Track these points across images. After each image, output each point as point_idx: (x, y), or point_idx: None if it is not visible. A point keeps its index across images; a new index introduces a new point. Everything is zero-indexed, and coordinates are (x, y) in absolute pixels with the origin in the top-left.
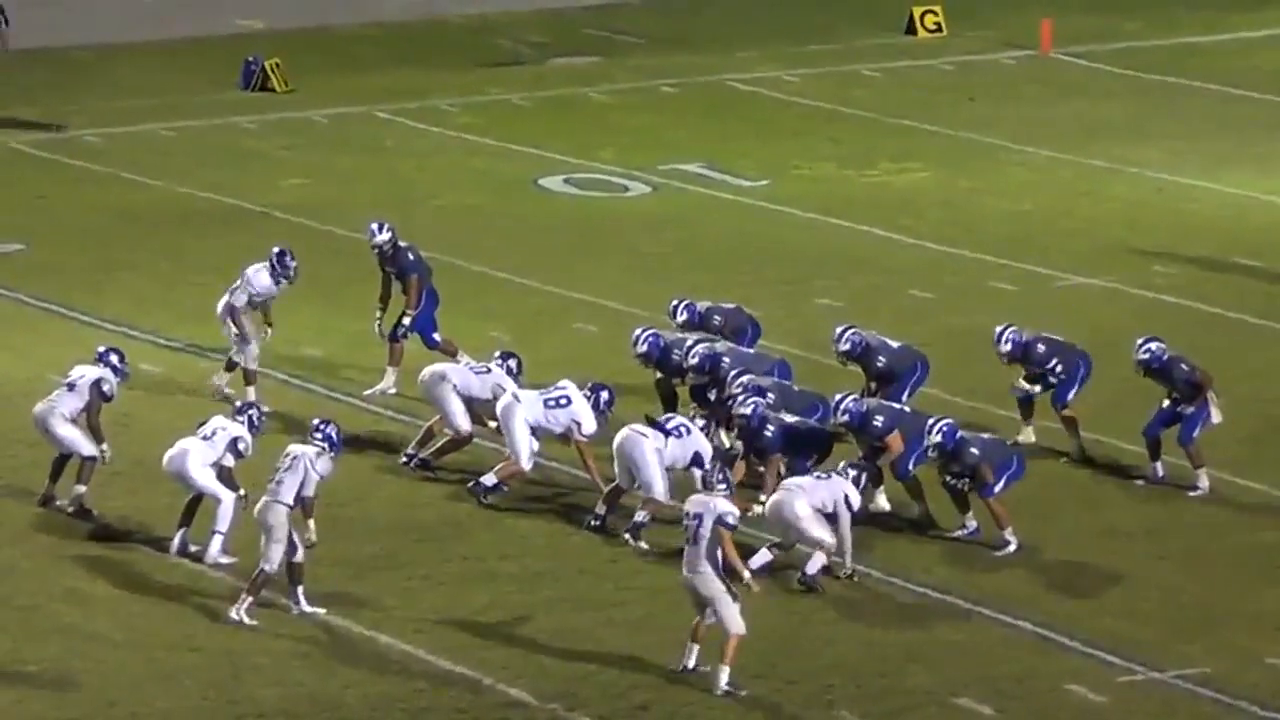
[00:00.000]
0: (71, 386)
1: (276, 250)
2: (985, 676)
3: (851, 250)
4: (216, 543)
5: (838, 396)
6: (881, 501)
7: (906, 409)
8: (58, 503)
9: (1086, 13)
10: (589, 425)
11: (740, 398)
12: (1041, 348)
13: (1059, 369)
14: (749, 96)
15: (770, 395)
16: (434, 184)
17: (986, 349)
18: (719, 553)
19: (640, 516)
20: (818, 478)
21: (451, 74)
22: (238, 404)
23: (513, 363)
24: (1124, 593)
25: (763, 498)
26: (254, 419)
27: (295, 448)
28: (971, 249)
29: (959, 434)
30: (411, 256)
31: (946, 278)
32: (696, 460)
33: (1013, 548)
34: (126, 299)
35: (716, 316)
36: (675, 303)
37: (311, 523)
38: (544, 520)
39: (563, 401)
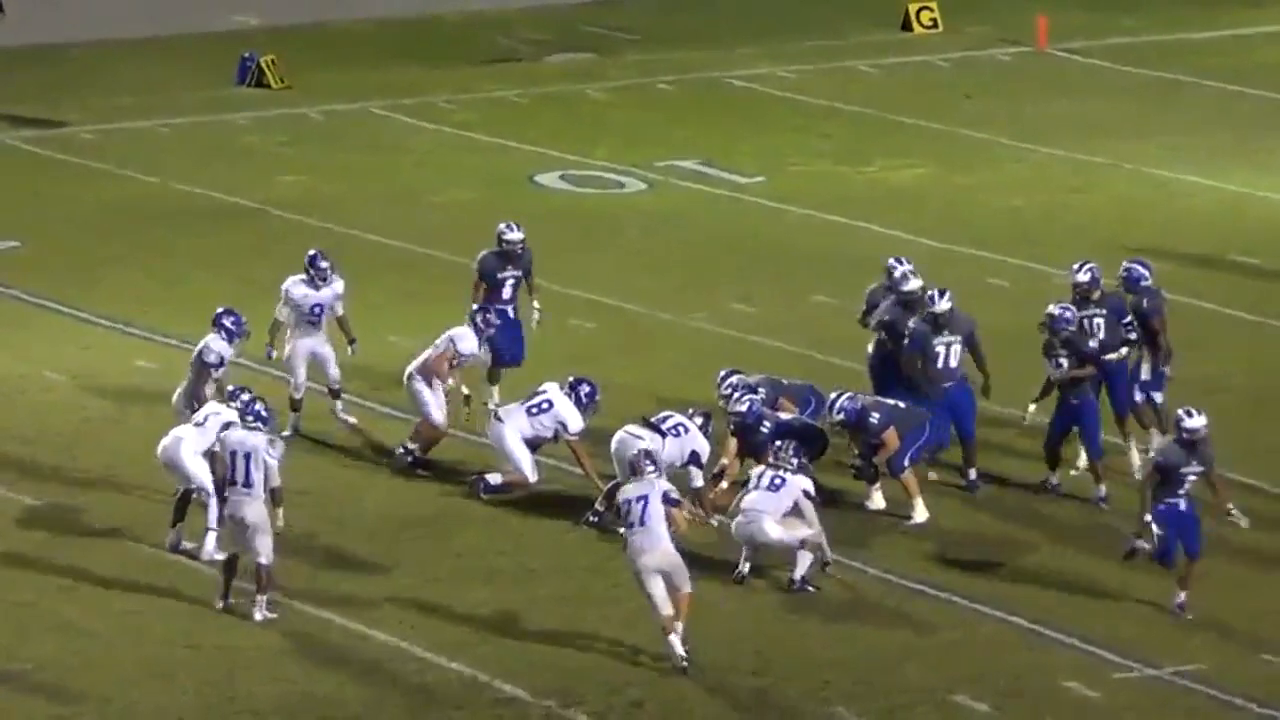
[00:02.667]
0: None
1: (308, 255)
2: (981, 674)
3: (848, 246)
4: (210, 539)
5: (832, 395)
6: (878, 499)
7: (901, 405)
8: (185, 546)
9: (1082, 9)
10: (575, 424)
11: (734, 396)
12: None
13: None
14: (745, 93)
15: (761, 390)
16: (430, 180)
17: (985, 345)
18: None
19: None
20: (771, 488)
21: (448, 70)
22: (230, 389)
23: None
24: (1119, 590)
25: None
26: (247, 403)
27: (243, 439)
28: (968, 245)
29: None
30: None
31: (943, 274)
32: (694, 459)
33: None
34: (122, 295)
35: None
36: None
37: (281, 510)
38: (539, 517)
39: (545, 406)
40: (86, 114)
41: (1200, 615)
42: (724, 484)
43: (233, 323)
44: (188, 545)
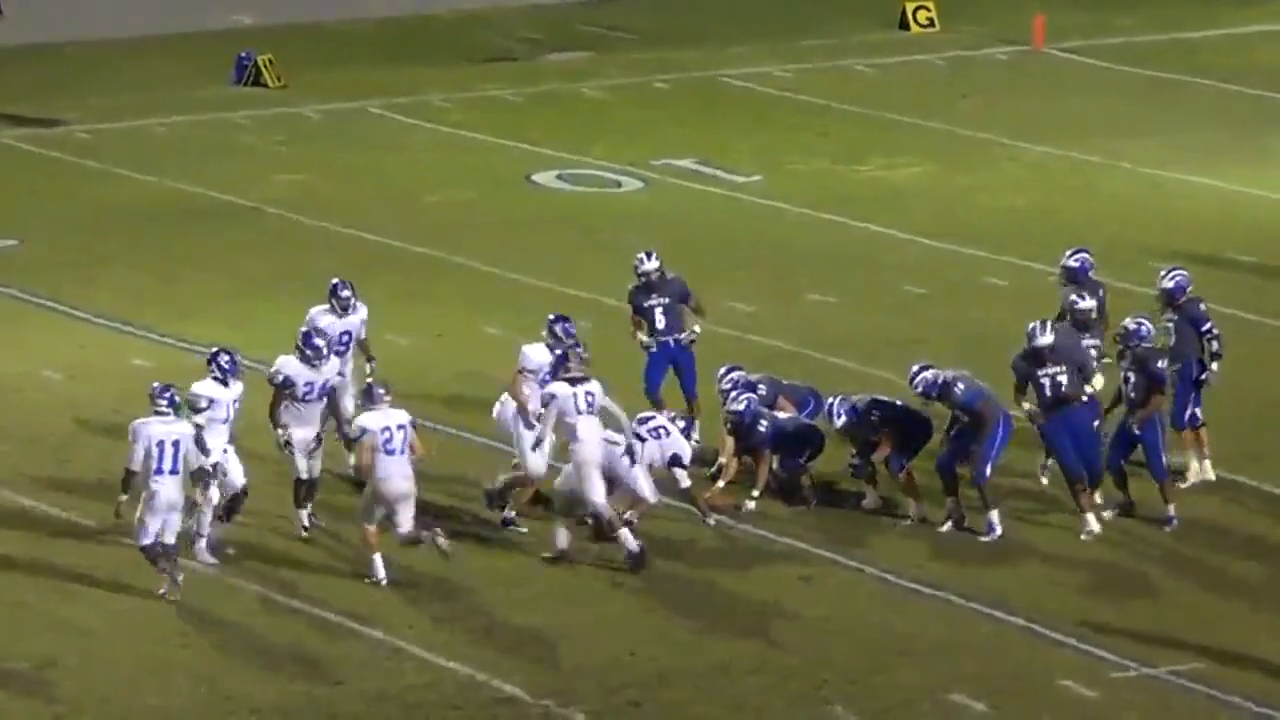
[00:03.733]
0: None
1: (330, 284)
2: (978, 673)
3: (844, 245)
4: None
5: (829, 400)
6: (873, 498)
7: (898, 402)
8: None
9: (1079, 8)
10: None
11: (732, 394)
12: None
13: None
14: (741, 92)
15: (761, 388)
16: (426, 180)
17: (981, 343)
18: None
19: (630, 515)
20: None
21: (444, 70)
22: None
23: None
24: (1116, 589)
25: (755, 493)
26: (222, 363)
27: (169, 429)
28: (965, 244)
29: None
30: (682, 284)
31: (940, 273)
32: (675, 460)
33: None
34: (120, 294)
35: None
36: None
37: (214, 487)
38: (537, 519)
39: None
40: (83, 113)
41: (1196, 615)
42: (720, 484)
43: (228, 362)
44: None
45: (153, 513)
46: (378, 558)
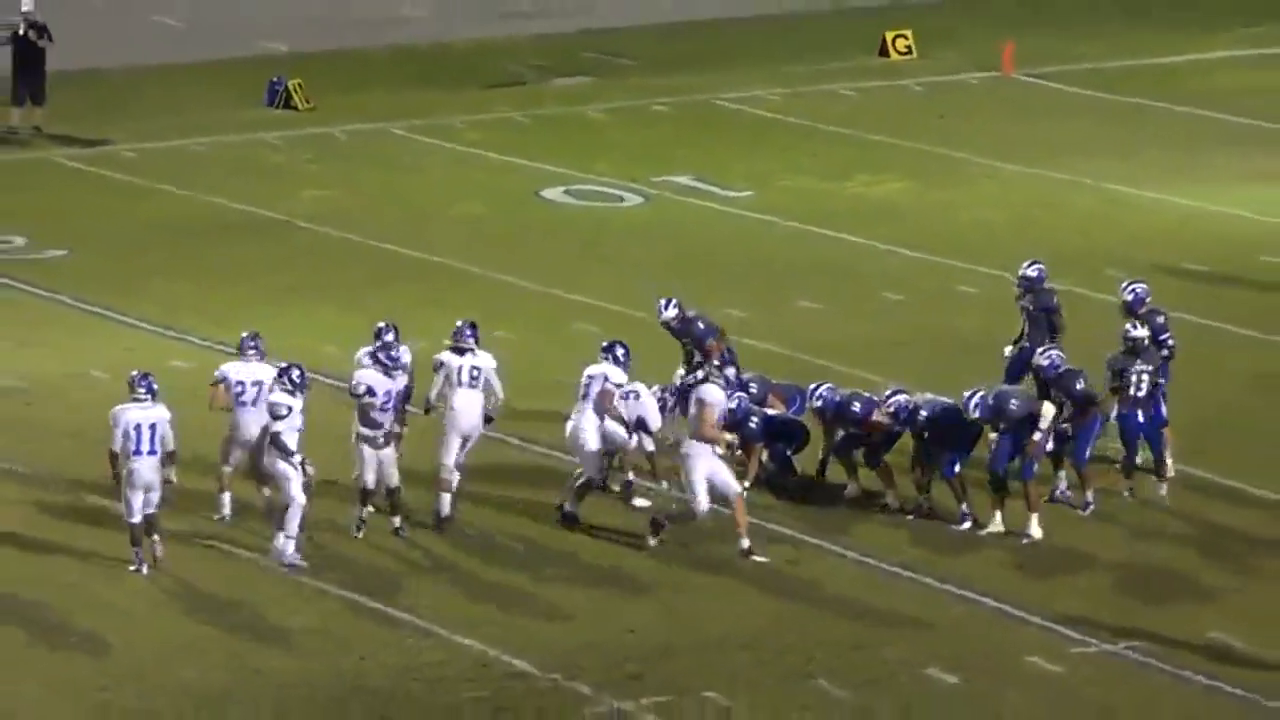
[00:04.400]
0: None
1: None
2: (951, 650)
3: (830, 257)
4: (284, 543)
5: (812, 385)
6: (854, 487)
7: (876, 397)
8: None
9: (1047, 36)
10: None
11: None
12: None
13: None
14: (734, 114)
15: (753, 387)
16: (444, 195)
17: (955, 347)
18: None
19: (630, 477)
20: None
21: (460, 94)
22: (280, 366)
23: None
24: (1078, 572)
25: (745, 483)
26: (294, 377)
27: (145, 413)
28: (941, 255)
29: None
30: (702, 325)
31: (918, 282)
32: (640, 425)
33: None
34: (160, 302)
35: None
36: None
37: (173, 470)
38: (546, 501)
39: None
40: (128, 133)
41: (1152, 596)
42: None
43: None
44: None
45: (133, 490)
46: (226, 496)
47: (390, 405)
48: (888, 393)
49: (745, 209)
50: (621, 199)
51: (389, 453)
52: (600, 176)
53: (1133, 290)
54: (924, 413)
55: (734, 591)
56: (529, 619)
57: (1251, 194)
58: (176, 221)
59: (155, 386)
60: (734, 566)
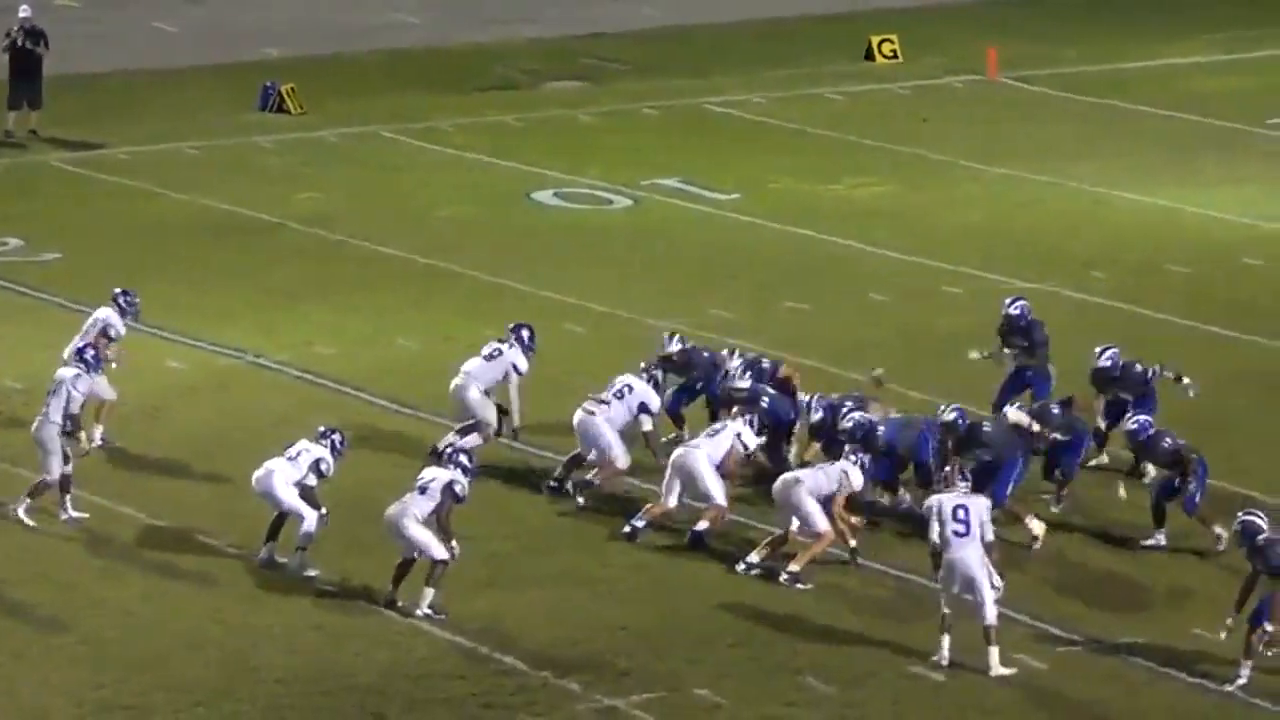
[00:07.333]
0: (423, 490)
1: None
2: (937, 647)
3: (816, 257)
4: (298, 558)
5: (805, 397)
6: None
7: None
8: (277, 560)
9: (1029, 41)
10: (522, 365)
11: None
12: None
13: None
14: (723, 118)
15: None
16: (435, 197)
17: (938, 346)
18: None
19: (591, 476)
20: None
21: (451, 97)
22: (321, 428)
23: (524, 333)
24: (1065, 572)
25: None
26: (336, 442)
27: (60, 373)
28: (925, 256)
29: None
30: (707, 354)
31: (902, 282)
32: (643, 409)
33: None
34: (155, 302)
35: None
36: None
37: (84, 434)
38: (535, 500)
39: (494, 355)
40: (123, 137)
41: (1135, 595)
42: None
43: (126, 301)
44: (280, 559)
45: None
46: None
47: None
48: (844, 409)
49: (733, 211)
50: (611, 202)
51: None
52: (590, 179)
53: (1109, 357)
54: (881, 430)
55: (722, 589)
56: (519, 616)
57: (1232, 196)
58: (170, 224)
59: (89, 357)
60: (715, 566)
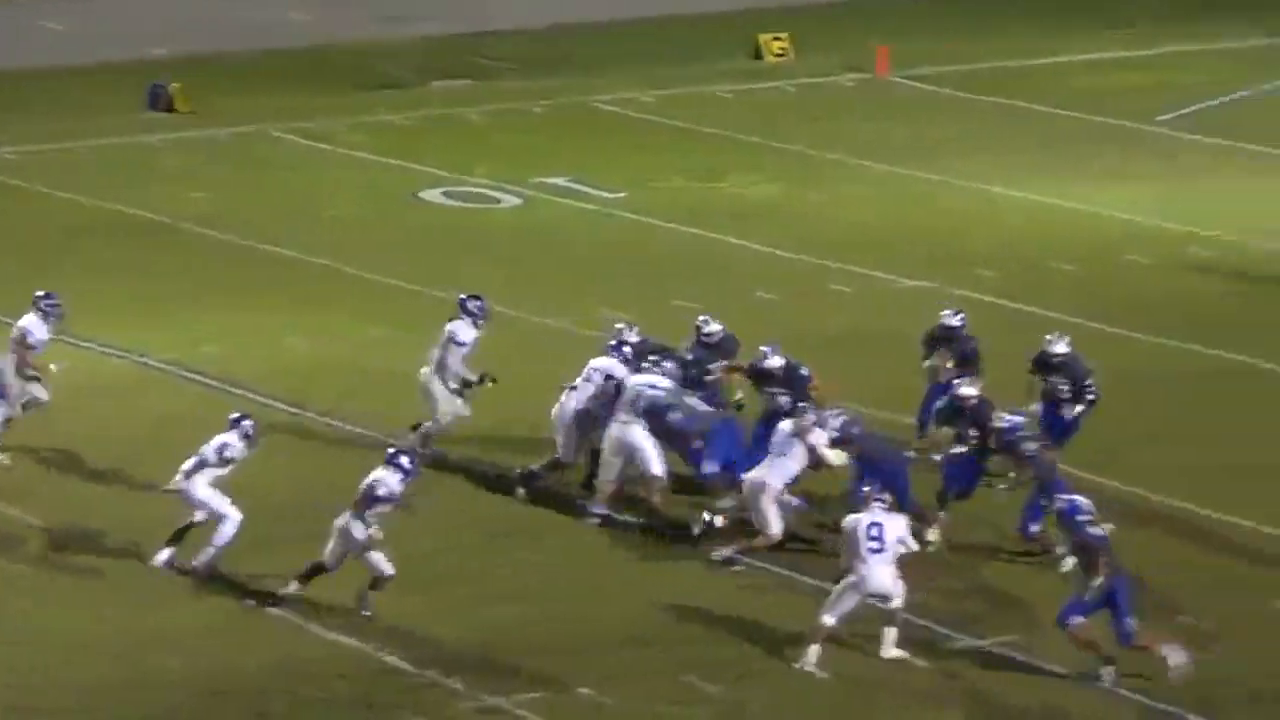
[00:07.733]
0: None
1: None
2: (825, 648)
3: (704, 256)
4: (208, 554)
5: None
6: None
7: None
8: (178, 564)
9: (919, 40)
10: (461, 335)
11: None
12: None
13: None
14: (611, 116)
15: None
16: (324, 196)
17: (827, 346)
18: None
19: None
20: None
21: (340, 96)
22: (233, 415)
23: (470, 304)
24: (950, 577)
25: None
26: (248, 429)
27: None
28: (814, 254)
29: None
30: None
31: (790, 281)
32: (608, 378)
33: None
34: None
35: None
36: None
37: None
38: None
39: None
40: (10, 136)
41: (1013, 596)
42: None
43: (47, 305)
44: (184, 564)
45: None
46: None
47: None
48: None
49: (621, 209)
50: (499, 200)
51: None
52: (478, 178)
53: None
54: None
55: (608, 591)
56: (404, 617)
57: (1117, 193)
58: (59, 224)
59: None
60: (609, 567)
